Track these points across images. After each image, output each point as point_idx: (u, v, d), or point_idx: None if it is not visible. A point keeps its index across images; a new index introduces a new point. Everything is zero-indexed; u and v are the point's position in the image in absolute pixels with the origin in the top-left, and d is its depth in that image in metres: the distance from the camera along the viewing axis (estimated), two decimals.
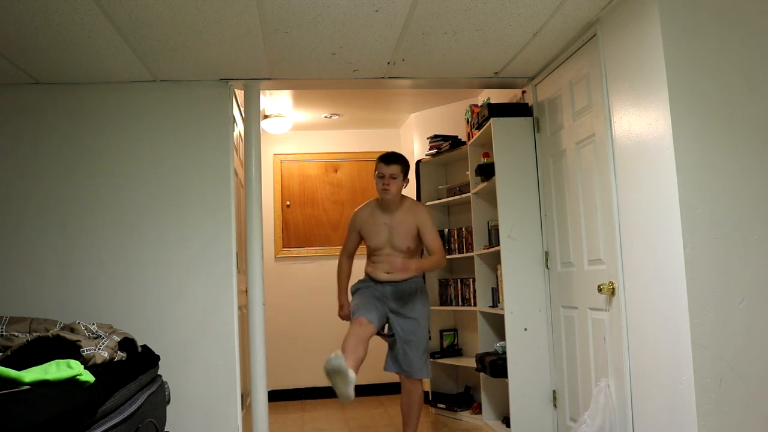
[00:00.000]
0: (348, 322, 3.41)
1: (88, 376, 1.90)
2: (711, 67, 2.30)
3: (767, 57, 2.32)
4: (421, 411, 3.51)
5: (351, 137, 5.70)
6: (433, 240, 3.43)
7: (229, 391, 3.24)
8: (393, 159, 3.44)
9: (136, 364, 2.51)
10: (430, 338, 3.54)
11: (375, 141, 5.70)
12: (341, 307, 3.64)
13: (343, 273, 3.67)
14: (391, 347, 3.47)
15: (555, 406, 3.44)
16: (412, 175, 5.10)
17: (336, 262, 3.74)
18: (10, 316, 2.69)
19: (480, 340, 4.16)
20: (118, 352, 2.40)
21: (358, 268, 3.68)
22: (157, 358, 2.89)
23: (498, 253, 3.68)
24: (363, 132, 5.71)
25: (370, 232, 3.52)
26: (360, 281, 3.58)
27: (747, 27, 2.33)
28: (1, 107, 3.28)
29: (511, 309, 3.49)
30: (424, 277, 3.69)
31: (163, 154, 3.34)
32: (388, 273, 3.43)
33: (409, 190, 5.23)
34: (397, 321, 3.42)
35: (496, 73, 3.47)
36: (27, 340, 2.18)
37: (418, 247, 3.57)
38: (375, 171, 3.46)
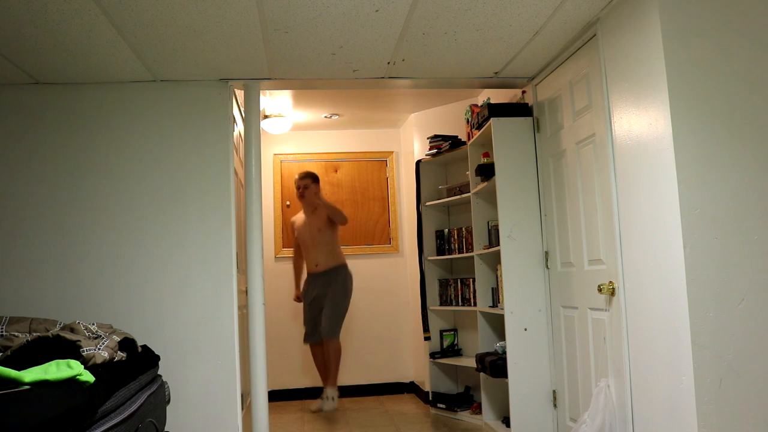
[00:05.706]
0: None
1: (88, 376, 1.90)
2: (711, 67, 2.30)
3: (767, 56, 2.32)
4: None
5: (351, 137, 5.70)
6: None
7: (229, 391, 3.24)
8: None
9: (136, 364, 2.51)
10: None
11: (375, 141, 5.71)
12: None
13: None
14: None
15: (555, 406, 3.44)
16: (411, 174, 5.15)
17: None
18: (10, 316, 2.69)
19: (480, 340, 4.16)
20: (118, 352, 2.40)
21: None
22: (157, 358, 2.90)
23: (498, 253, 3.69)
24: (363, 132, 5.71)
25: None
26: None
27: (747, 26, 2.33)
28: (1, 107, 3.28)
29: (511, 309, 3.49)
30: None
31: (163, 154, 3.34)
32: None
33: (410, 190, 5.24)
34: None
35: (496, 73, 3.47)
36: (27, 340, 2.18)
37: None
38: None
